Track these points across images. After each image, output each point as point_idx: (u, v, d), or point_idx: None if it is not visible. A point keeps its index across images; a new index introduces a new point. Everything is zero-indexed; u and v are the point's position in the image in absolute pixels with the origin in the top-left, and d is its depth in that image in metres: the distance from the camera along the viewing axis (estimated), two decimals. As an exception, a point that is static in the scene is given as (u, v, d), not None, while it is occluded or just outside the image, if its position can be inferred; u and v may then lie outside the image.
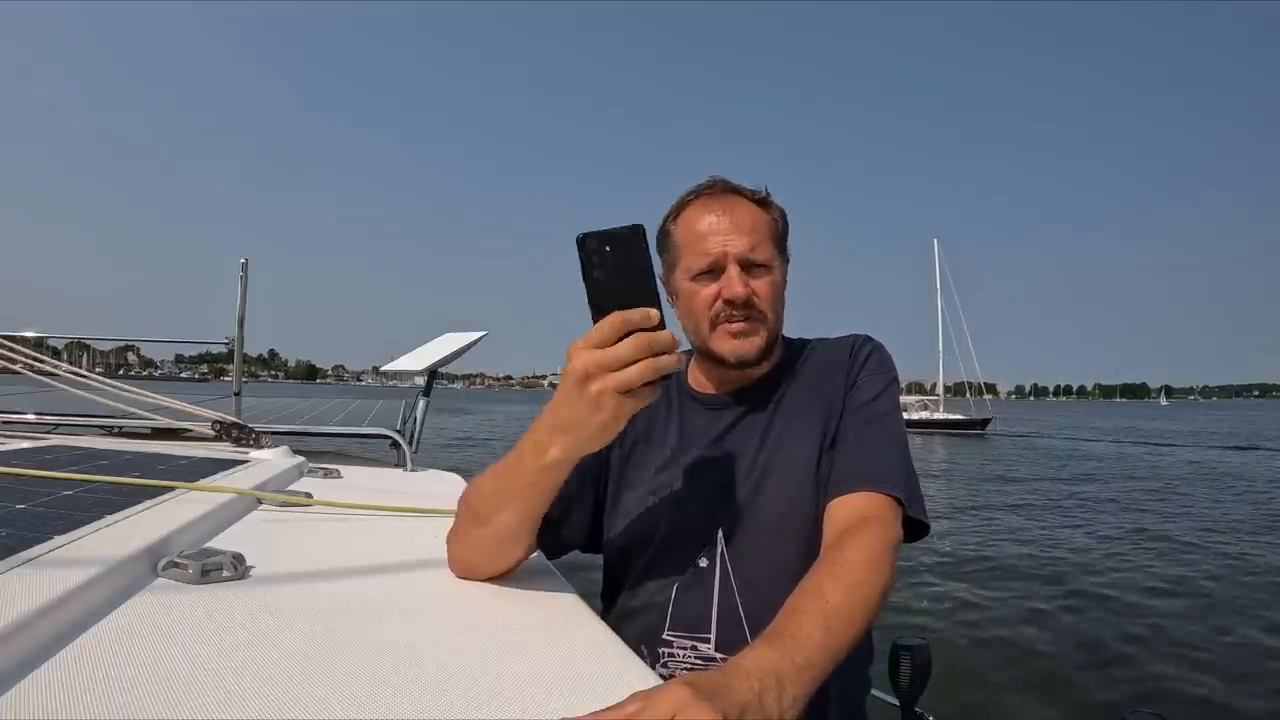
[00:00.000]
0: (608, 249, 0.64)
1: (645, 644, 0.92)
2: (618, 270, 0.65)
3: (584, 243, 0.65)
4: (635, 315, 0.64)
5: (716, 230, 0.93)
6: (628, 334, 0.64)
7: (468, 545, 0.83)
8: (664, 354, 0.64)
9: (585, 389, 0.65)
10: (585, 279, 0.65)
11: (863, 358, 0.99)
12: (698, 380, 1.05)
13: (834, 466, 0.91)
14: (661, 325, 0.65)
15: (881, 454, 0.90)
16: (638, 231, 0.65)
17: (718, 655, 0.88)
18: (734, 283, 0.91)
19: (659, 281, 0.67)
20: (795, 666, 0.61)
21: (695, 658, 0.89)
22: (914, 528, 0.89)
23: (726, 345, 0.94)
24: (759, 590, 0.89)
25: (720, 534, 0.92)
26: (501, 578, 0.85)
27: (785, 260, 1.00)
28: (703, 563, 0.92)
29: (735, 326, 0.93)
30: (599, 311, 0.65)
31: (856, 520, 0.82)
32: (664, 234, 1.01)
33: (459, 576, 0.85)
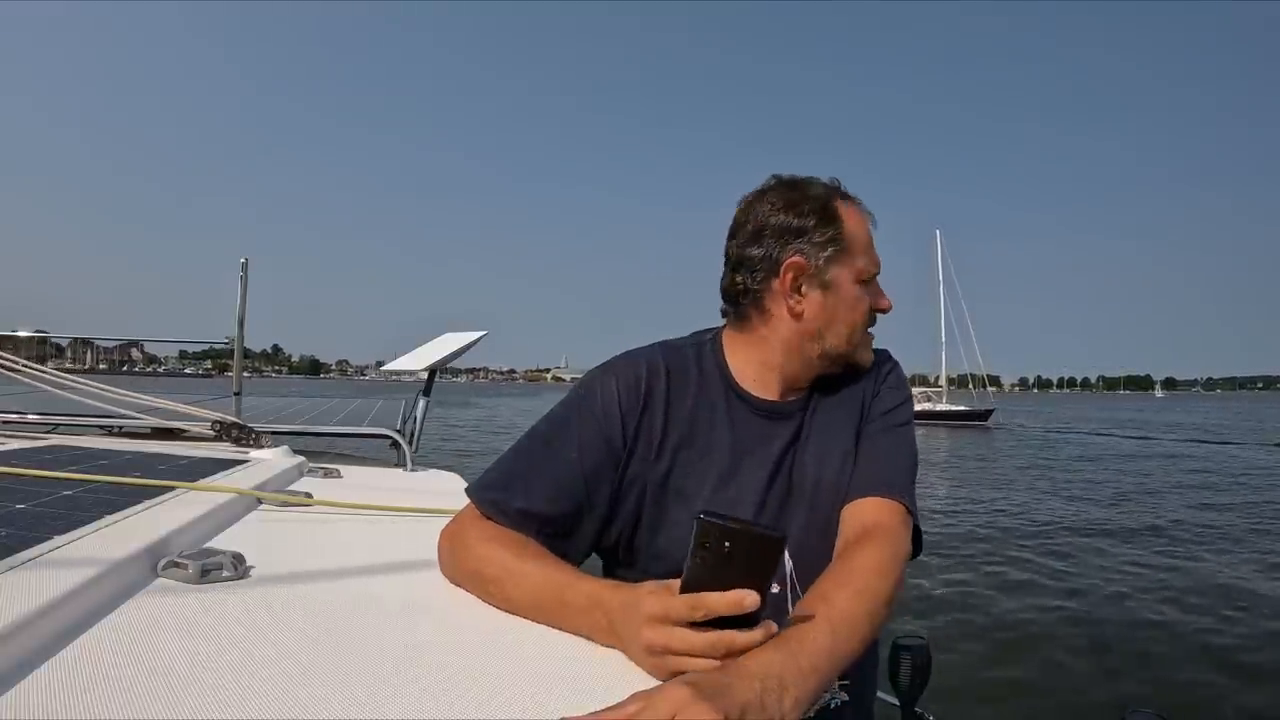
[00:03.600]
0: (727, 544, 0.57)
1: None
2: (732, 567, 0.58)
3: (708, 527, 0.58)
4: (725, 603, 0.58)
5: (872, 240, 0.95)
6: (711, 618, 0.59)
7: (473, 590, 0.80)
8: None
9: (646, 657, 0.62)
10: (692, 557, 0.59)
11: (885, 371, 1.00)
12: (752, 377, 0.95)
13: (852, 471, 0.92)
14: (753, 622, 0.59)
15: (897, 461, 0.91)
16: (779, 544, 0.59)
17: None
18: (887, 298, 0.96)
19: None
20: (799, 670, 0.60)
21: None
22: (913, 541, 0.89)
23: (867, 356, 0.97)
24: None
25: (788, 555, 0.89)
26: None
27: None
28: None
29: (869, 338, 0.97)
30: (688, 589, 0.60)
31: (867, 528, 0.82)
32: (830, 217, 0.91)
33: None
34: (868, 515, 0.84)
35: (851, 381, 0.99)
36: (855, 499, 0.87)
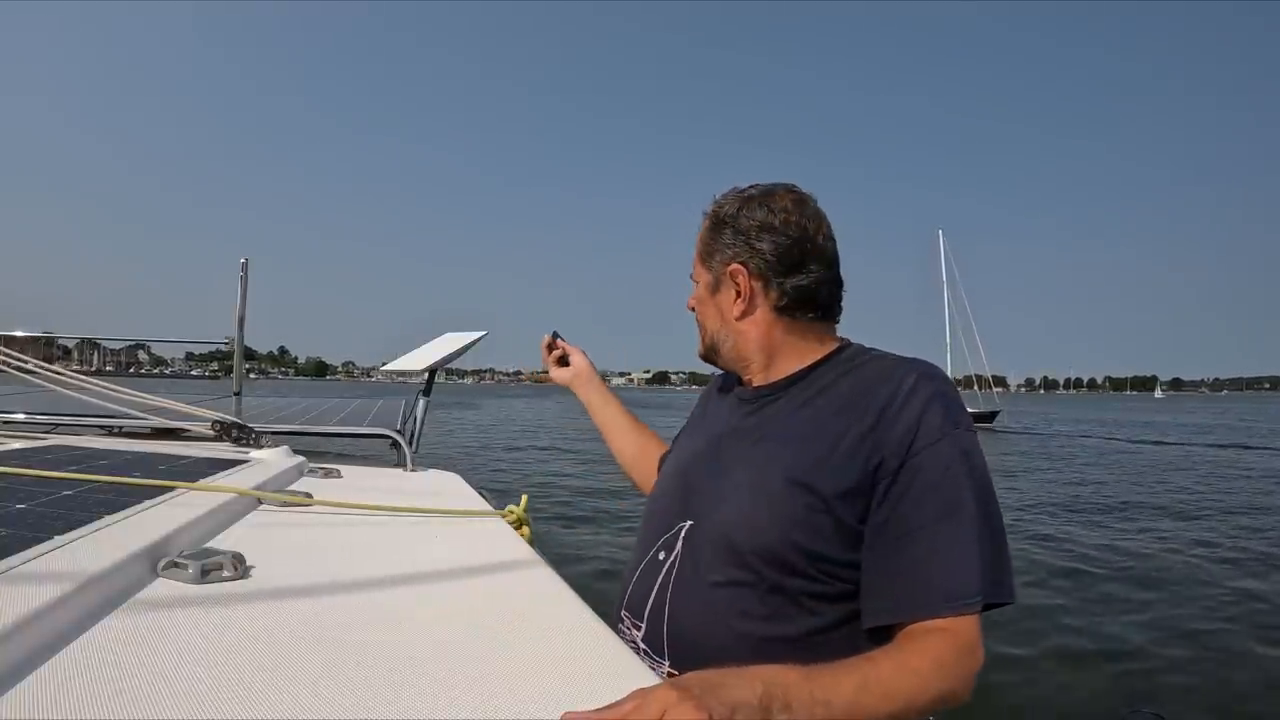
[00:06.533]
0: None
1: (616, 617, 0.95)
2: None
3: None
4: None
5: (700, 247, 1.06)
6: None
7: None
8: None
9: None
10: None
11: (913, 417, 0.80)
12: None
13: (900, 575, 0.78)
14: None
15: (959, 559, 0.77)
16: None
17: (643, 647, 0.88)
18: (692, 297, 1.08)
19: None
20: (810, 697, 0.59)
21: (631, 642, 0.89)
22: None
23: (712, 352, 1.07)
24: (690, 601, 0.85)
25: (684, 532, 0.90)
26: (503, 572, 0.92)
27: (719, 264, 0.97)
28: (661, 555, 0.91)
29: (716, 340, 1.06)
30: None
31: (929, 628, 0.75)
32: None
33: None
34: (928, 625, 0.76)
35: (853, 398, 0.86)
36: (920, 619, 0.76)
